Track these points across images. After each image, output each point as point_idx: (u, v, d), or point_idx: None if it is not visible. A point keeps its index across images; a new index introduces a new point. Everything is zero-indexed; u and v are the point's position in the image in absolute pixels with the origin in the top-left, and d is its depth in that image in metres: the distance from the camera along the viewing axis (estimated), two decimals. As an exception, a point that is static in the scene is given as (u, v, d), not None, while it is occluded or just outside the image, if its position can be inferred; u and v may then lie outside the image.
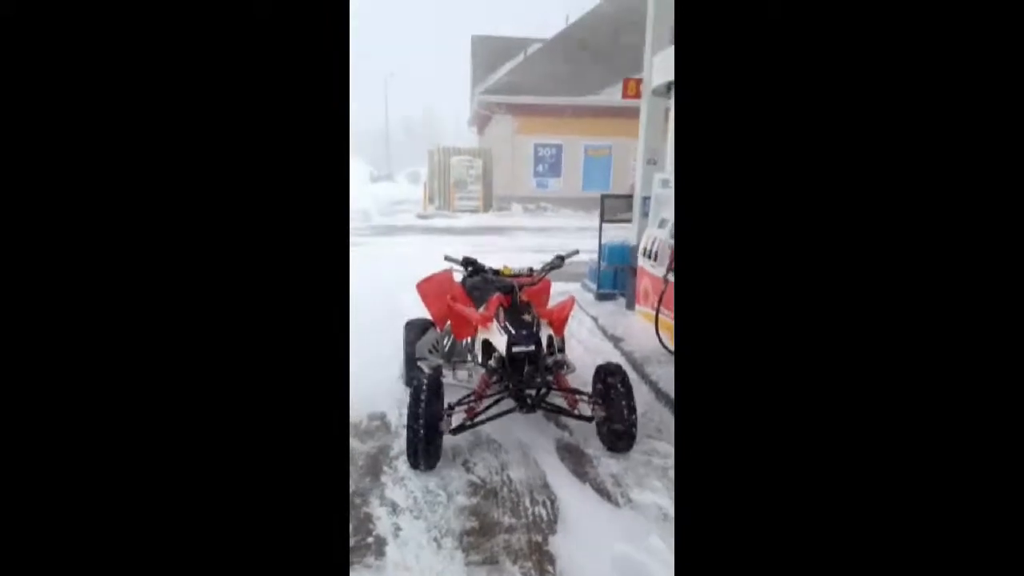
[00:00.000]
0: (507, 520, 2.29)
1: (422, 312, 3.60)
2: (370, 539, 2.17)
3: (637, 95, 5.49)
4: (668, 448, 2.85)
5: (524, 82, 20.27)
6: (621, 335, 4.54)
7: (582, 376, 3.25)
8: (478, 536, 2.19)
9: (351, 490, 2.48)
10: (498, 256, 5.32)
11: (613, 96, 18.04)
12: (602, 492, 2.53)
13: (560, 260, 3.09)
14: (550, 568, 2.03)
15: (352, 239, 4.27)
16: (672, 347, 3.90)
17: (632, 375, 3.38)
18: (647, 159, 5.27)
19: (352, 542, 2.14)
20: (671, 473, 2.62)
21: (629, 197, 5.64)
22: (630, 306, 5.18)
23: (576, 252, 3.27)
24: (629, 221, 5.61)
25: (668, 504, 2.41)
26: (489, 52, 23.58)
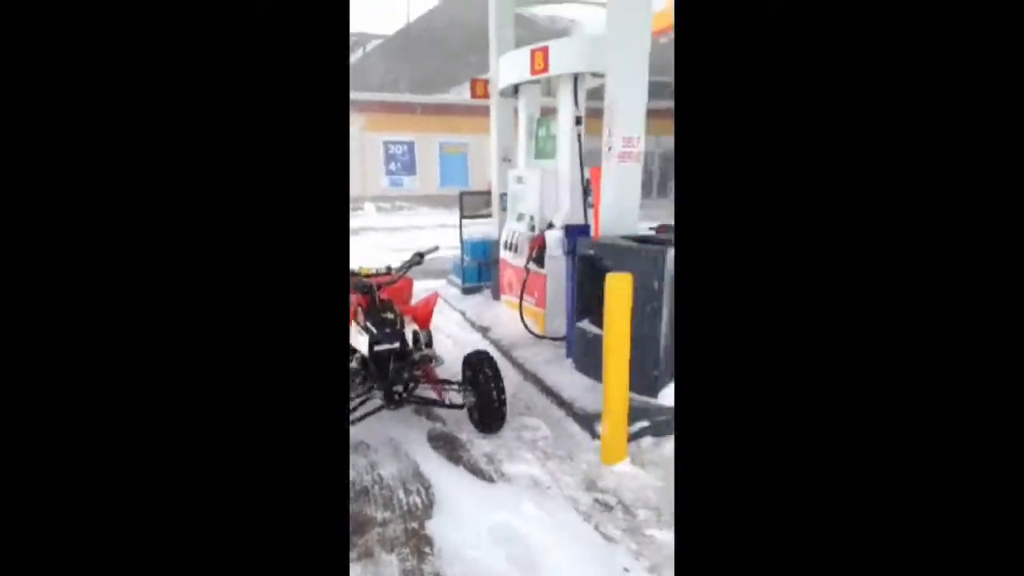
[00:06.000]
0: (380, 515, 2.23)
1: None
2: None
3: (485, 95, 5.56)
4: (537, 422, 3.00)
5: (365, 79, 19.36)
6: (488, 324, 4.64)
7: (453, 367, 3.23)
8: (352, 535, 2.09)
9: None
10: (353, 258, 5.01)
11: (462, 95, 17.93)
12: (476, 471, 2.55)
13: (419, 257, 3.04)
14: (428, 549, 2.03)
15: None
16: (537, 331, 4.11)
17: (501, 360, 3.58)
18: (502, 157, 5.38)
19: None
20: (540, 444, 2.80)
21: (487, 193, 5.68)
22: (495, 296, 5.25)
23: (436, 248, 3.26)
24: (489, 216, 5.65)
25: (539, 472, 2.54)
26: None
